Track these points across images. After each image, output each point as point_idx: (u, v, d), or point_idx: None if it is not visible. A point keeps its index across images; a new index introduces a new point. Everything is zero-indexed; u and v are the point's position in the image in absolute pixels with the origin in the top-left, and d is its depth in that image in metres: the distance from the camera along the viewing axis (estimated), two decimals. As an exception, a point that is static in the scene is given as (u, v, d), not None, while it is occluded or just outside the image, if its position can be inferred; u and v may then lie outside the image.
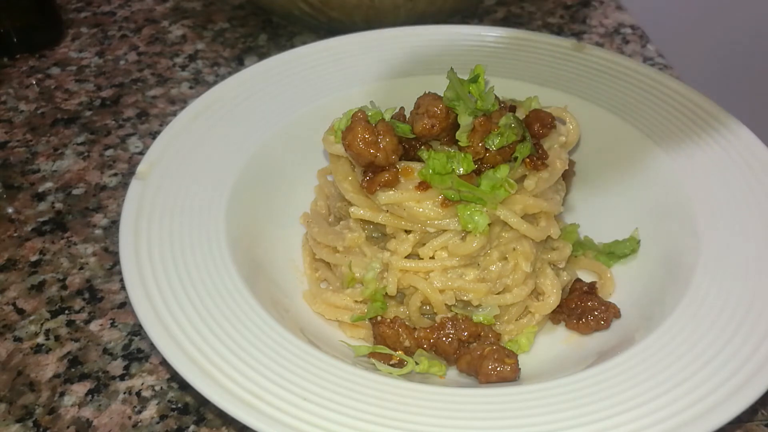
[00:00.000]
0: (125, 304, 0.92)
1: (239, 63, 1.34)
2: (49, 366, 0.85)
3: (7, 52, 1.34)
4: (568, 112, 0.93)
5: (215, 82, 1.23)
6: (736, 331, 0.74)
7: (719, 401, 0.67)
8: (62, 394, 0.82)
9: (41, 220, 1.03)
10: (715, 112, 0.97)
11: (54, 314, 0.91)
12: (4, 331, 0.89)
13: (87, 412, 0.80)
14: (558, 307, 0.86)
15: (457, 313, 0.83)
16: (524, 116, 0.87)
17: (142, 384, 0.83)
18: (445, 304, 0.83)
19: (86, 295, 0.93)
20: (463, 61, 1.02)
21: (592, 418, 0.67)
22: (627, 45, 1.38)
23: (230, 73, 1.19)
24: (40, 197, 1.07)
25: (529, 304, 0.86)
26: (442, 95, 0.82)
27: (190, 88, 1.28)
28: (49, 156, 1.14)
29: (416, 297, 0.83)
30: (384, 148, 0.79)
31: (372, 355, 0.81)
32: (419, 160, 0.82)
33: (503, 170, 0.80)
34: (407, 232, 0.83)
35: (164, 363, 0.85)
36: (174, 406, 0.81)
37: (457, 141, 0.80)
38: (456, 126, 0.80)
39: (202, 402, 0.81)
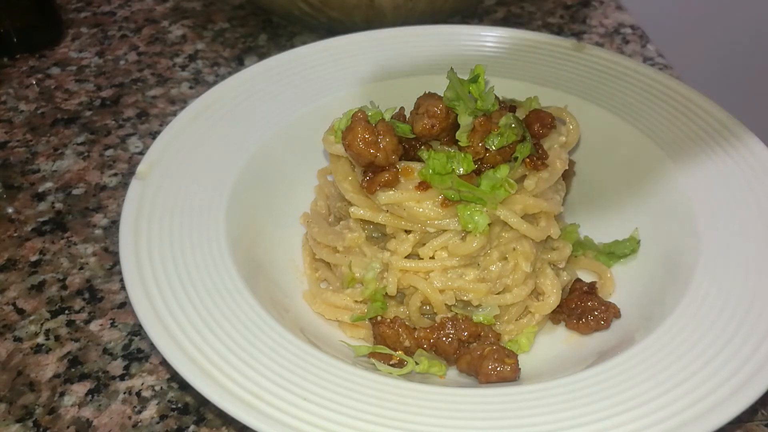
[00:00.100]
0: (125, 304, 0.92)
1: (239, 63, 1.34)
2: (49, 366, 0.85)
3: (7, 52, 1.34)
4: (568, 112, 0.93)
5: (215, 82, 1.23)
6: (736, 331, 0.74)
7: (719, 401, 0.67)
8: (62, 394, 0.82)
9: (41, 220, 1.03)
10: (715, 113, 0.97)
11: (54, 314, 0.91)
12: (4, 331, 0.89)
13: (87, 412, 0.80)
14: (558, 307, 0.86)
15: (457, 313, 0.83)
16: (524, 116, 0.87)
17: (142, 384, 0.83)
18: (445, 304, 0.83)
19: (86, 295, 0.93)
20: (463, 61, 1.02)
21: (592, 418, 0.67)
22: (627, 45, 1.38)
23: (230, 73, 1.19)
24: (40, 197, 1.07)
25: (529, 304, 0.86)
26: (442, 95, 0.82)
27: (190, 88, 1.28)
28: (49, 156, 1.14)
29: (416, 297, 0.83)
30: (384, 148, 0.79)
31: (372, 355, 0.81)
32: (419, 160, 0.82)
33: (503, 170, 0.79)
34: (407, 232, 0.83)
35: (164, 363, 0.85)
36: (174, 406, 0.81)
37: (457, 141, 0.80)
38: (456, 126, 0.80)
39: (202, 402, 0.81)
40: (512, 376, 0.77)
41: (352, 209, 0.84)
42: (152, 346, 0.83)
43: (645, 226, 0.93)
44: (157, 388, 0.83)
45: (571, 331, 0.87)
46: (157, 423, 0.79)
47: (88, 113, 1.23)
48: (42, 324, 0.90)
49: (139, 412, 0.80)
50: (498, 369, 0.77)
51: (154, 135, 1.17)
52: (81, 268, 0.97)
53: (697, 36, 2.16)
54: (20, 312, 0.91)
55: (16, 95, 1.26)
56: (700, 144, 0.94)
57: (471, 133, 0.79)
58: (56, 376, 0.84)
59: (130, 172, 1.09)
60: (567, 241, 0.91)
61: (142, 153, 1.14)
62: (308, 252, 0.94)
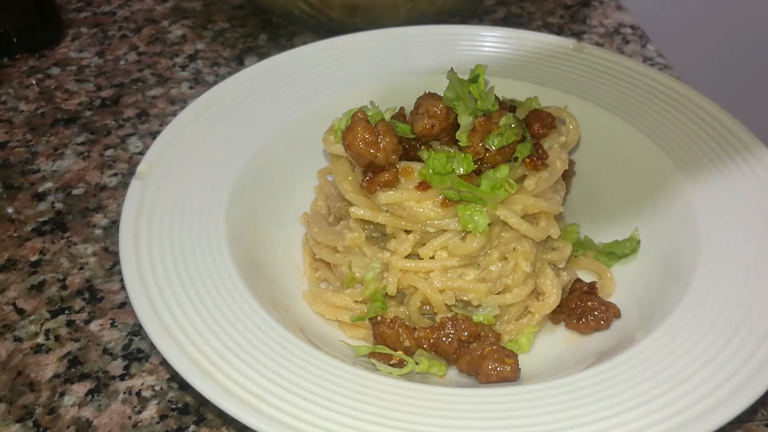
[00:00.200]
0: (125, 304, 0.92)
1: (239, 63, 1.34)
2: (49, 366, 0.85)
3: (7, 52, 1.34)
4: (568, 112, 0.93)
5: (215, 82, 1.23)
6: (736, 331, 0.74)
7: (719, 401, 0.67)
8: (62, 394, 0.82)
9: (41, 220, 1.03)
10: (715, 113, 0.97)
11: (54, 314, 0.91)
12: (4, 331, 0.89)
13: (87, 412, 0.80)
14: (558, 307, 0.86)
15: (457, 313, 0.83)
16: (524, 116, 0.87)
17: (142, 384, 0.83)
18: (445, 304, 0.83)
19: (86, 295, 0.93)
20: (463, 61, 1.02)
21: (592, 418, 0.67)
22: (627, 45, 1.38)
23: (230, 73, 1.19)
24: (40, 197, 1.07)
25: (529, 304, 0.86)
26: (442, 95, 0.82)
27: (190, 88, 1.28)
28: (49, 156, 1.14)
29: (416, 297, 0.83)
30: (384, 148, 0.79)
31: (372, 355, 0.81)
32: (419, 160, 0.82)
33: (503, 170, 0.79)
34: (407, 232, 0.83)
35: (164, 363, 0.85)
36: (174, 406, 0.81)
37: (457, 141, 0.80)
38: (456, 126, 0.80)
39: (202, 402, 0.81)
40: (512, 376, 0.77)
41: (352, 209, 0.84)
42: (152, 346, 0.83)
43: (645, 226, 0.93)
44: (157, 388, 0.83)
45: (571, 331, 0.87)
46: (157, 423, 0.79)
47: (88, 113, 1.23)
48: (42, 324, 0.90)
49: (139, 412, 0.80)
50: (498, 369, 0.77)
51: (154, 135, 1.17)
52: (81, 268, 0.97)
53: (697, 36, 2.16)
54: (20, 312, 0.91)
55: (16, 95, 1.26)
56: (700, 144, 0.94)
57: (471, 133, 0.79)
58: (56, 376, 0.84)
59: (130, 172, 1.09)
60: (567, 241, 0.91)
61: (142, 153, 1.14)
62: (308, 252, 0.94)
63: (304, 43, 1.20)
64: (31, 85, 1.29)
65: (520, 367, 0.78)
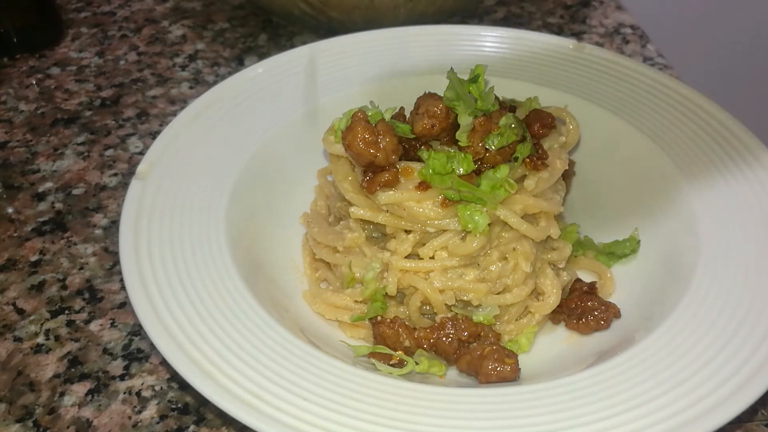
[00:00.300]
0: (125, 304, 0.92)
1: (239, 63, 1.34)
2: (49, 366, 0.85)
3: (7, 52, 1.34)
4: (568, 112, 0.93)
5: (215, 82, 1.23)
6: (736, 331, 0.74)
7: (719, 401, 0.67)
8: (62, 394, 0.82)
9: (41, 220, 1.03)
10: (715, 113, 0.97)
11: (54, 314, 0.91)
12: (4, 331, 0.89)
13: (87, 412, 0.80)
14: (558, 307, 0.86)
15: (457, 313, 0.83)
16: (524, 116, 0.87)
17: (142, 384, 0.83)
18: (445, 304, 0.83)
19: (86, 295, 0.93)
20: (463, 61, 1.02)
21: (592, 418, 0.67)
22: (627, 45, 1.38)
23: (230, 73, 1.19)
24: (40, 197, 1.07)
25: (529, 304, 0.86)
26: (442, 95, 0.82)
27: (190, 88, 1.28)
28: (49, 156, 1.14)
29: (416, 297, 0.83)
30: (384, 148, 0.79)
31: (372, 355, 0.81)
32: (419, 160, 0.82)
33: (503, 170, 0.79)
34: (407, 232, 0.83)
35: (164, 363, 0.85)
36: (174, 406, 0.81)
37: (457, 141, 0.80)
38: (456, 126, 0.80)
39: (202, 402, 0.81)
40: (512, 376, 0.77)
41: (352, 209, 0.84)
42: (152, 346, 0.83)
43: (645, 226, 0.93)
44: (157, 388, 0.83)
45: (571, 331, 0.87)
46: (157, 423, 0.79)
47: (88, 113, 1.23)
48: (42, 324, 0.90)
49: (139, 412, 0.80)
50: (498, 369, 0.77)
51: (154, 135, 1.17)
52: (81, 268, 0.97)
53: (697, 36, 2.16)
54: (20, 312, 0.91)
55: (16, 95, 1.26)
56: (700, 144, 0.94)
57: (471, 133, 0.79)
58: (56, 376, 0.84)
59: (130, 172, 1.09)
60: (567, 241, 0.91)
61: (142, 153, 1.14)
62: (308, 252, 0.94)
63: (304, 43, 1.20)
64: (31, 85, 1.29)
65: (520, 367, 0.78)
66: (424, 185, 0.80)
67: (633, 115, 1.00)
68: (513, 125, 0.80)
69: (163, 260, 0.80)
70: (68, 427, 0.79)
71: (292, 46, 1.33)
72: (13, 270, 0.96)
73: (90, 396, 0.82)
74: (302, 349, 0.73)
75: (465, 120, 0.79)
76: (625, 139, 0.99)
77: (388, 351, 0.81)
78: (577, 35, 1.40)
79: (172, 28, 1.43)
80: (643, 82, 1.03)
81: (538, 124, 0.86)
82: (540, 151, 0.84)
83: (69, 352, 0.86)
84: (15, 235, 1.01)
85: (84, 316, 0.91)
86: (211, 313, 0.75)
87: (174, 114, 1.17)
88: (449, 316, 0.83)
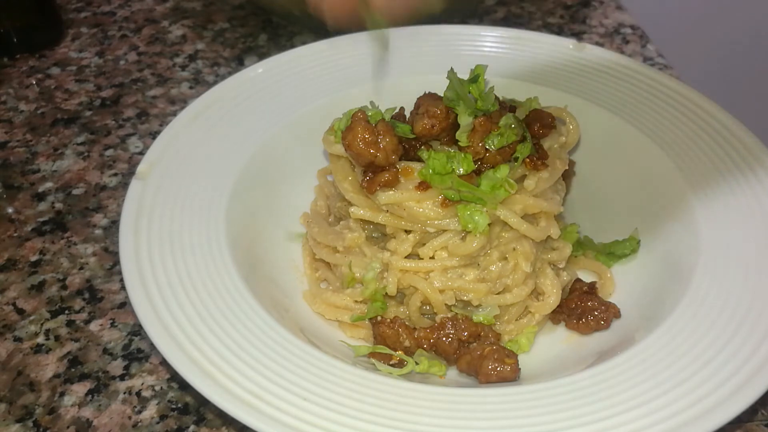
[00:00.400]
0: (125, 304, 0.92)
1: (239, 63, 1.34)
2: (49, 366, 0.85)
3: (7, 52, 1.34)
4: (568, 112, 0.93)
5: (215, 82, 1.23)
6: (736, 331, 0.74)
7: (719, 401, 0.67)
8: (62, 394, 0.82)
9: (41, 220, 1.03)
10: (715, 113, 0.97)
11: (54, 314, 0.91)
12: (4, 331, 0.89)
13: (87, 412, 0.80)
14: (558, 307, 0.86)
15: (457, 313, 0.83)
16: (524, 116, 0.87)
17: (142, 384, 0.83)
18: (445, 304, 0.83)
19: (86, 295, 0.93)
20: (463, 61, 1.02)
21: (592, 418, 0.67)
22: (627, 45, 1.38)
23: (230, 73, 1.19)
24: (40, 197, 1.07)
25: (529, 304, 0.86)
26: (442, 95, 0.82)
27: (190, 88, 1.28)
28: (49, 156, 1.14)
29: (416, 297, 0.83)
30: (384, 148, 0.79)
31: (372, 355, 0.81)
32: (419, 160, 0.82)
33: (503, 170, 0.80)
34: (407, 232, 0.83)
35: (164, 363, 0.85)
36: (174, 406, 0.81)
37: (457, 141, 0.80)
38: (456, 126, 0.80)
39: (202, 402, 0.81)
40: (512, 376, 0.77)
41: (352, 209, 0.84)
42: (152, 346, 0.83)
43: (645, 226, 0.93)
44: (157, 388, 0.83)
45: (571, 331, 0.87)
46: (157, 423, 0.79)
47: (88, 113, 1.23)
48: (42, 324, 0.90)
49: (139, 412, 0.80)
50: (498, 369, 0.77)
51: (154, 135, 1.17)
52: (81, 268, 0.97)
53: (697, 36, 2.16)
54: (20, 312, 0.91)
55: (16, 95, 1.26)
56: (700, 144, 0.94)
57: (471, 133, 0.79)
58: (56, 376, 0.84)
59: (130, 172, 1.09)
60: (567, 241, 0.91)
61: (142, 153, 1.14)
62: (308, 252, 0.94)
63: (304, 43, 1.20)
64: (31, 85, 1.29)
65: (520, 367, 0.78)
66: (424, 185, 0.80)
67: (633, 115, 1.00)
68: (513, 125, 0.80)
69: (163, 260, 0.80)
70: (68, 427, 0.79)
71: (292, 46, 1.33)
72: (13, 270, 0.96)
73: (90, 396, 0.82)
74: (302, 349, 0.73)
75: (465, 120, 0.79)
76: (625, 139, 0.99)
77: (388, 351, 0.81)
78: (577, 35, 1.40)
79: (172, 28, 1.43)
80: (643, 82, 1.03)
81: (538, 124, 0.86)
82: (540, 151, 0.84)
83: (69, 352, 0.86)
84: (15, 235, 1.01)
85: (84, 316, 0.91)
86: (211, 313, 0.75)
87: (174, 114, 1.17)
88: (449, 316, 0.83)
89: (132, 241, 0.81)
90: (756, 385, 0.68)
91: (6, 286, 0.94)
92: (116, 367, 0.85)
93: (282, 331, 0.75)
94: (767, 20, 2.18)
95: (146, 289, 0.77)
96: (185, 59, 1.35)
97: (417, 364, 0.80)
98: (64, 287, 0.94)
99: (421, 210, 0.80)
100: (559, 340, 0.87)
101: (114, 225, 1.02)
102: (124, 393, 0.82)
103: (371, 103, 0.88)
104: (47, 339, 0.88)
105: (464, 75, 0.82)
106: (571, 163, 0.98)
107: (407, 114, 0.88)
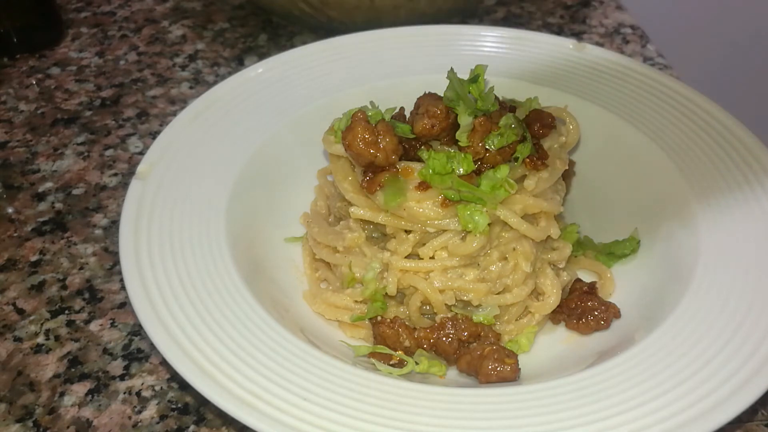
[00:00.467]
0: (125, 304, 0.92)
1: (239, 63, 1.34)
2: (49, 366, 0.85)
3: (7, 52, 1.34)
4: (568, 112, 0.93)
5: (215, 82, 1.23)
6: (736, 331, 0.74)
7: (719, 401, 0.67)
8: (62, 394, 0.82)
9: (41, 220, 1.03)
10: (714, 112, 0.97)
11: (54, 314, 0.91)
12: (4, 331, 0.89)
13: (87, 412, 0.80)
14: (558, 307, 0.86)
15: (457, 313, 0.83)
16: (524, 116, 0.87)
17: (142, 384, 0.83)
18: (445, 304, 0.83)
19: (86, 295, 0.93)
20: (463, 61, 1.02)
21: (592, 418, 0.67)
22: (627, 45, 1.38)
23: (230, 73, 1.19)
24: (40, 197, 1.07)
25: (529, 304, 0.86)
26: (442, 95, 0.82)
27: (190, 88, 1.28)
28: (49, 156, 1.14)
29: (416, 297, 0.83)
30: (384, 148, 0.79)
31: (372, 355, 0.81)
32: (419, 160, 0.82)
33: (503, 170, 0.80)
34: (407, 232, 0.83)
35: (164, 363, 0.85)
36: (174, 406, 0.81)
37: (457, 141, 0.80)
38: (456, 126, 0.80)
39: (202, 402, 0.81)
40: (512, 376, 0.77)
41: (352, 209, 0.84)
42: (152, 346, 0.83)
43: (645, 226, 0.93)
44: (157, 388, 0.83)
45: (571, 331, 0.87)
46: (157, 423, 0.79)
47: (88, 113, 1.23)
48: (42, 324, 0.90)
49: (139, 412, 0.80)
50: (498, 369, 0.77)
51: (154, 135, 1.17)
52: (81, 268, 0.97)
53: (697, 36, 2.16)
54: (20, 312, 0.91)
55: (16, 95, 1.26)
56: (699, 144, 0.94)
57: (471, 133, 0.79)
58: (56, 376, 0.84)
59: (130, 172, 1.09)
60: (567, 241, 0.91)
61: (142, 153, 1.14)
62: (308, 252, 0.94)
63: (304, 43, 1.20)
64: (31, 85, 1.29)
65: (520, 367, 0.78)
66: (424, 185, 0.80)
67: (633, 115, 1.00)
68: (513, 125, 0.80)
69: (163, 260, 0.80)
70: (68, 427, 0.79)
71: (292, 46, 1.33)
72: (13, 270, 0.96)
73: (90, 396, 0.82)
74: (302, 349, 0.73)
75: (465, 120, 0.79)
76: (625, 139, 0.99)
77: (388, 351, 0.81)
78: (577, 35, 1.40)
79: (172, 28, 1.43)
80: (643, 82, 1.03)
81: (538, 124, 0.86)
82: (540, 151, 0.84)
83: (69, 352, 0.86)
84: (15, 235, 1.01)
85: (84, 316, 0.91)
86: (211, 313, 0.75)
87: (174, 114, 1.17)
88: (449, 316, 0.83)
89: (132, 241, 0.81)
90: (756, 385, 0.68)
91: (6, 286, 0.94)
92: (116, 367, 0.85)
93: (282, 331, 0.75)
94: (767, 20, 2.18)
95: (146, 289, 0.77)
96: (185, 59, 1.35)
97: (417, 364, 0.80)
98: (64, 287, 0.94)
99: (421, 210, 0.80)
100: (559, 340, 0.87)
101: (114, 225, 1.02)
102: (124, 393, 0.82)
103: (371, 103, 0.88)
104: (47, 339, 0.88)
105: (464, 75, 0.82)
106: (571, 163, 0.98)
107: (407, 114, 0.88)
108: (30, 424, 0.79)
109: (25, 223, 1.03)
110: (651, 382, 0.70)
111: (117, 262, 0.97)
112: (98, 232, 1.02)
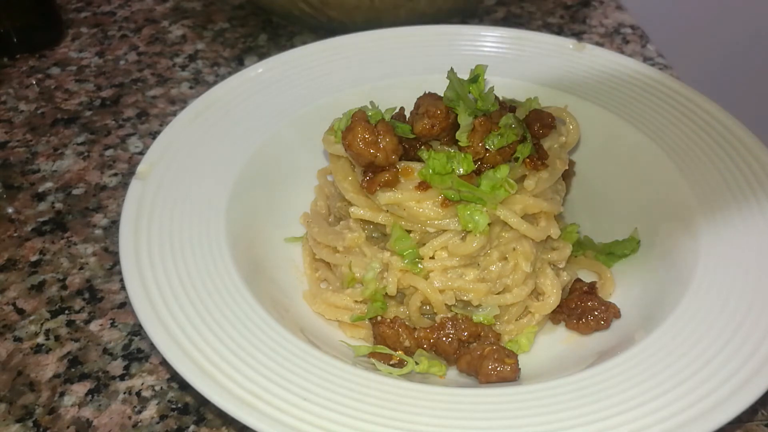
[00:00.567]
0: (125, 304, 0.92)
1: (239, 63, 1.34)
2: (49, 366, 0.85)
3: (7, 52, 1.34)
4: (568, 112, 0.93)
5: (215, 82, 1.23)
6: (736, 331, 0.74)
7: (719, 401, 0.67)
8: (62, 394, 0.82)
9: (41, 220, 1.03)
10: (714, 112, 0.97)
11: (54, 314, 0.91)
12: (4, 331, 0.89)
13: (87, 412, 0.80)
14: (558, 307, 0.86)
15: (457, 313, 0.83)
16: (524, 116, 0.87)
17: (142, 384, 0.83)
18: (445, 304, 0.83)
19: (86, 295, 0.93)
20: (463, 61, 1.02)
21: (592, 418, 0.67)
22: (627, 45, 1.38)
23: (230, 73, 1.19)
24: (40, 197, 1.07)
25: (529, 304, 0.86)
26: (442, 95, 0.82)
27: (190, 88, 1.28)
28: (49, 156, 1.14)
29: (416, 297, 0.83)
30: (384, 148, 0.79)
31: (372, 355, 0.81)
32: (419, 160, 0.82)
33: (503, 170, 0.79)
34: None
35: (164, 363, 0.85)
36: (174, 406, 0.81)
37: (457, 141, 0.80)
38: (456, 126, 0.80)
39: (202, 402, 0.81)
40: (512, 376, 0.77)
41: (352, 209, 0.84)
42: (152, 346, 0.83)
43: (645, 226, 0.93)
44: (157, 388, 0.83)
45: (571, 331, 0.87)
46: (157, 423, 0.79)
47: (88, 113, 1.23)
48: (42, 324, 0.90)
49: (139, 412, 0.80)
50: (498, 369, 0.77)
51: (154, 135, 1.17)
52: (81, 268, 0.97)
53: (697, 36, 2.16)
54: (20, 312, 0.91)
55: (16, 95, 1.27)
56: (699, 144, 0.94)
57: (471, 133, 0.79)
58: (56, 376, 0.84)
59: (130, 172, 1.09)
60: (567, 241, 0.91)
61: (142, 153, 1.14)
62: (308, 252, 0.94)
63: (304, 43, 1.20)
64: (31, 85, 1.29)
65: (520, 367, 0.78)
66: (424, 185, 0.80)
67: (633, 115, 1.00)
68: (513, 125, 0.80)
69: (163, 260, 0.80)
70: (68, 427, 0.79)
71: (292, 46, 1.33)
72: (13, 270, 0.96)
73: (90, 396, 0.82)
74: (302, 349, 0.73)
75: (465, 120, 0.79)
76: (625, 139, 0.99)
77: (388, 351, 0.81)
78: (577, 35, 1.40)
79: (172, 28, 1.43)
80: (643, 82, 1.03)
81: (538, 124, 0.86)
82: (540, 151, 0.84)
83: (69, 352, 0.86)
84: (15, 235, 1.01)
85: (84, 316, 0.91)
86: (211, 313, 0.75)
87: (174, 114, 1.17)
88: (449, 316, 0.83)
89: (132, 241, 0.81)
90: (756, 385, 0.68)
91: (6, 286, 0.94)
92: (116, 367, 0.85)
93: (282, 331, 0.75)
94: (767, 20, 2.18)
95: (146, 289, 0.77)
96: (185, 59, 1.35)
97: (417, 364, 0.79)
98: (64, 287, 0.94)
99: (421, 210, 0.80)
100: (559, 340, 0.87)
101: (114, 225, 1.02)
102: (124, 393, 0.82)
103: (371, 103, 0.88)
104: (47, 339, 0.88)
105: (464, 75, 0.82)
106: (571, 163, 0.98)
107: (407, 114, 0.88)
108: (30, 424, 0.79)
109: (25, 223, 1.03)
110: (651, 382, 0.70)
111: (117, 262, 0.97)
112: (98, 232, 1.02)
